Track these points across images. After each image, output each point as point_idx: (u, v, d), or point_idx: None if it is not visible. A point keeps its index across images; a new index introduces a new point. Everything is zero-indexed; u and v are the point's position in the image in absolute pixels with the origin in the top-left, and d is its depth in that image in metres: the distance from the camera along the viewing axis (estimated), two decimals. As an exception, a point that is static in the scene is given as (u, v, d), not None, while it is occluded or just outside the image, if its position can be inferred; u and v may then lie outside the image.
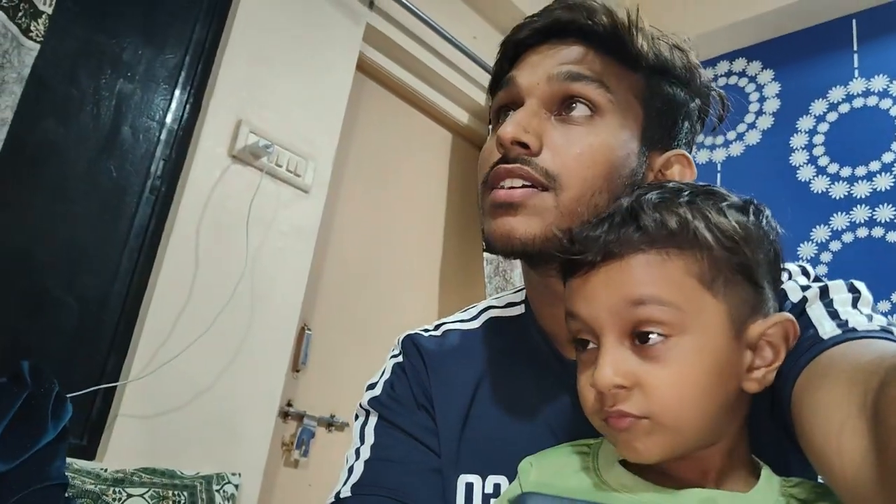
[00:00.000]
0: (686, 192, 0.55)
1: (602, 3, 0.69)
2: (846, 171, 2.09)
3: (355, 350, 2.12)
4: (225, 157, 1.75)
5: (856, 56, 2.16)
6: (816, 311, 0.58)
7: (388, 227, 2.33)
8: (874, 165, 2.03)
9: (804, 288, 0.62)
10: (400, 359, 0.77)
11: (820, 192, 2.12)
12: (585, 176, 0.63)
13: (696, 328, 0.50)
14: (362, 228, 2.24)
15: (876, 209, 2.00)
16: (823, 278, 0.64)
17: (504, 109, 0.70)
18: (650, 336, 0.50)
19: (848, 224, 2.04)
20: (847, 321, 0.55)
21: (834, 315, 0.57)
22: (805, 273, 0.66)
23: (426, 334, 0.79)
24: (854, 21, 2.19)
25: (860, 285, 0.61)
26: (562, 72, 0.66)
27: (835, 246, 2.04)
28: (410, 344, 0.77)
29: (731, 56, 2.47)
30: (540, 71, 0.67)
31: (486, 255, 2.41)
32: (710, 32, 2.37)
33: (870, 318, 0.56)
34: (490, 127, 0.75)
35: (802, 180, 2.16)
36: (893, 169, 2.00)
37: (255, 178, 1.78)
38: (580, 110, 0.65)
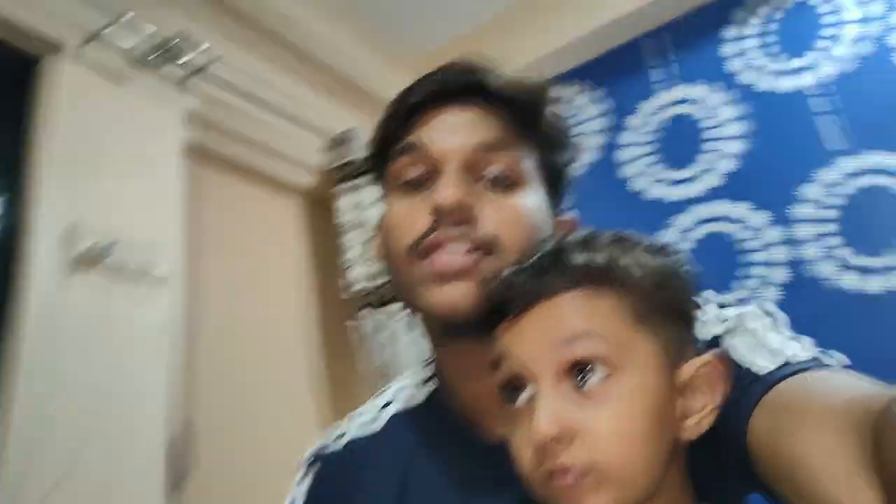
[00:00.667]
0: (607, 235, 0.56)
1: (501, 68, 0.70)
2: (678, 175, 2.20)
3: (246, 446, 1.98)
4: (64, 266, 1.58)
5: (673, 65, 2.28)
6: (741, 346, 0.59)
7: (256, 306, 2.22)
8: (699, 166, 2.16)
9: (719, 319, 0.63)
10: (308, 481, 0.74)
11: (654, 199, 2.23)
12: (521, 237, 0.64)
13: (630, 366, 0.49)
14: (230, 314, 2.12)
15: (713, 204, 2.10)
16: (731, 305, 0.65)
17: (413, 176, 0.68)
18: (586, 372, 0.49)
19: (690, 224, 2.14)
20: (782, 350, 0.57)
21: (762, 346, 0.58)
22: (712, 301, 0.66)
23: (328, 451, 0.76)
24: (667, 32, 2.30)
25: (770, 306, 0.64)
26: (479, 141, 0.66)
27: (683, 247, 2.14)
28: (316, 463, 0.75)
29: (564, 78, 2.51)
30: (457, 137, 0.66)
31: (357, 315, 2.35)
32: (542, 58, 2.43)
33: (797, 340, 0.59)
34: (384, 192, 0.72)
35: (634, 191, 2.27)
36: (717, 167, 2.14)
37: (100, 281, 1.62)
38: (502, 177, 0.66)
